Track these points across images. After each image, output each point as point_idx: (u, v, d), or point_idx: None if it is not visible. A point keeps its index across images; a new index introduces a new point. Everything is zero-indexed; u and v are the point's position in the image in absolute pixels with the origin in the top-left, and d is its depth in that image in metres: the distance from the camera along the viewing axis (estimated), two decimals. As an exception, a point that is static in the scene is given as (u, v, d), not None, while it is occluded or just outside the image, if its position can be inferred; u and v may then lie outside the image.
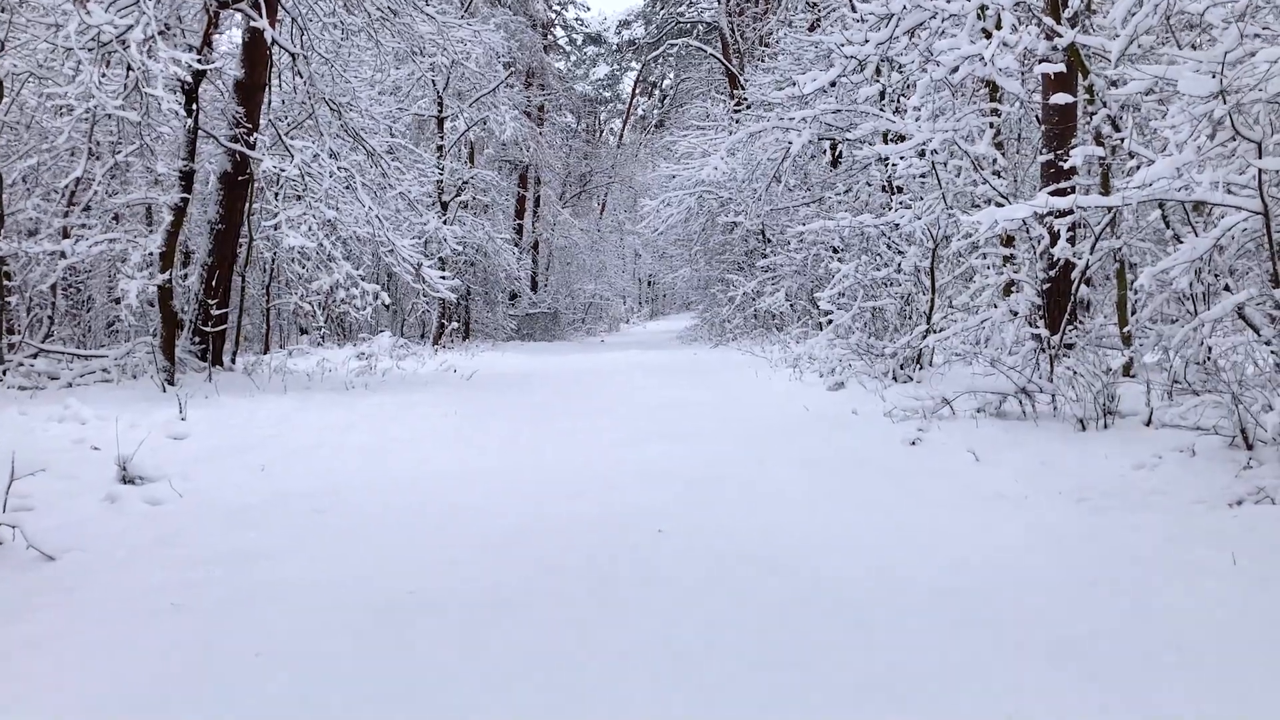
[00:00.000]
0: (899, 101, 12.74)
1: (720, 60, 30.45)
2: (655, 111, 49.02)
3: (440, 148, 23.48)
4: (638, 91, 49.00)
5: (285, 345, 21.51)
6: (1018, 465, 6.38)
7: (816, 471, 6.50)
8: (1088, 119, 8.56)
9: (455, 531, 5.25)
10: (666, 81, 47.79)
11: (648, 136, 47.38)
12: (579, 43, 45.36)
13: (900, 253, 10.97)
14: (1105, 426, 7.12)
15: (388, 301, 12.13)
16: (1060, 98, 6.89)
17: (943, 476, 6.25)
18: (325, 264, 12.02)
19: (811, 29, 21.30)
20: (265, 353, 19.87)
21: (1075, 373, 7.07)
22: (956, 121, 7.72)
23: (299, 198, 13.92)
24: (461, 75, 24.37)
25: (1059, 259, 7.98)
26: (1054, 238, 8.04)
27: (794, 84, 8.74)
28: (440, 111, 23.60)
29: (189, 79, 12.34)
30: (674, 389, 11.95)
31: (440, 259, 23.08)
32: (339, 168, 12.27)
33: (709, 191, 22.71)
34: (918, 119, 9.29)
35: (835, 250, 18.49)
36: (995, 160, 7.67)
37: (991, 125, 7.97)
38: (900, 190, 16.51)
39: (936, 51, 7.06)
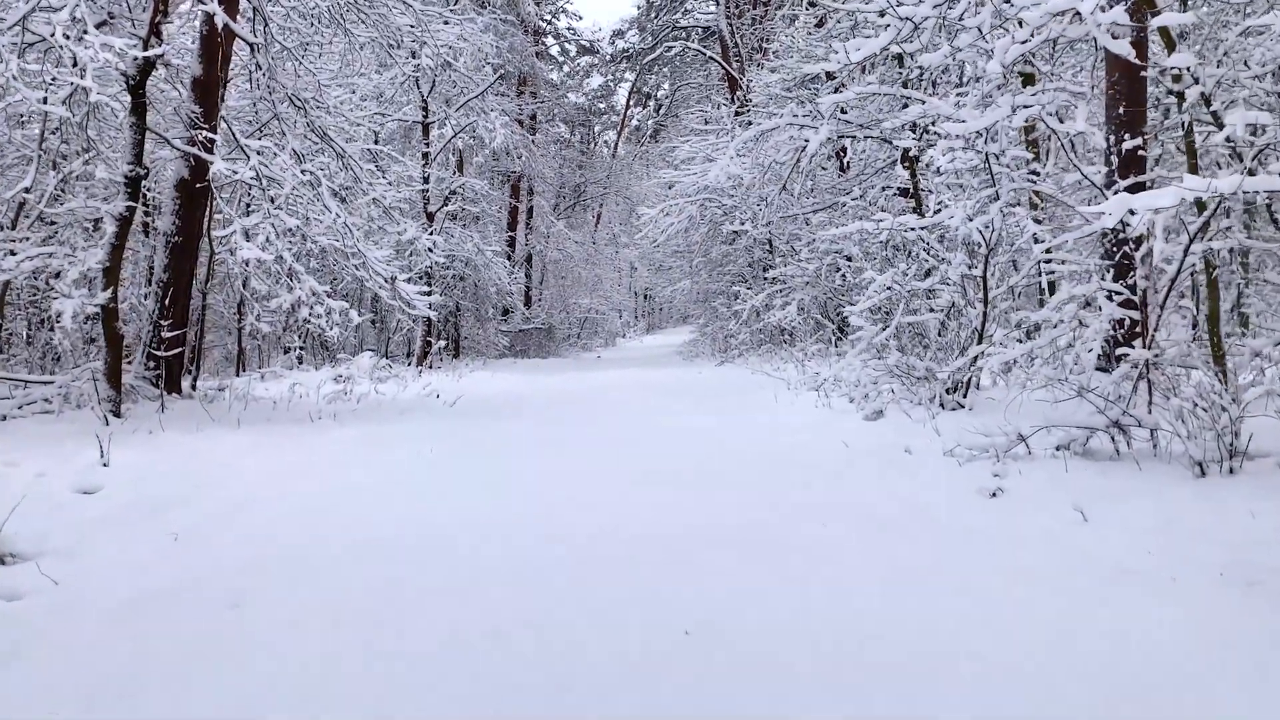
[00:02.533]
0: (931, 88, 11.41)
1: (720, 64, 29.18)
2: (650, 122, 47.82)
3: (426, 155, 22.09)
4: (632, 103, 47.82)
5: (265, 367, 20.13)
6: (1139, 526, 4.98)
7: (882, 535, 5.09)
8: (1177, 98, 7.23)
9: (402, 636, 3.84)
10: (662, 91, 46.61)
11: (643, 149, 46.15)
12: (572, 54, 44.07)
13: (939, 259, 9.60)
14: (1231, 471, 5.73)
15: (356, 320, 10.73)
16: (1179, 58, 5.52)
17: (1046, 544, 4.84)
18: (286, 279, 10.60)
19: (819, 25, 20.01)
20: (238, 376, 18.51)
21: (1196, 404, 5.68)
22: (1035, 95, 6.33)
23: (273, 204, 12.52)
24: (451, 80, 23.06)
25: (1156, 265, 6.61)
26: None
27: (836, 52, 7.37)
28: (425, 117, 22.22)
29: (133, 72, 10.98)
30: (683, 416, 10.53)
31: (426, 273, 21.71)
32: (303, 170, 10.87)
33: (711, 199, 21.36)
34: (967, 98, 7.93)
35: (849, 259, 17.16)
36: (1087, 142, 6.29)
37: (1086, 99, 6.62)
38: (917, 194, 15.16)
39: (1016, 9, 5.71)
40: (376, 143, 23.42)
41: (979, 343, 8.78)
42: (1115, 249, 7.82)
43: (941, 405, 8.81)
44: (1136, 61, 6.11)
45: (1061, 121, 6.64)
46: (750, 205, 20.17)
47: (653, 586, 4.39)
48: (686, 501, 5.98)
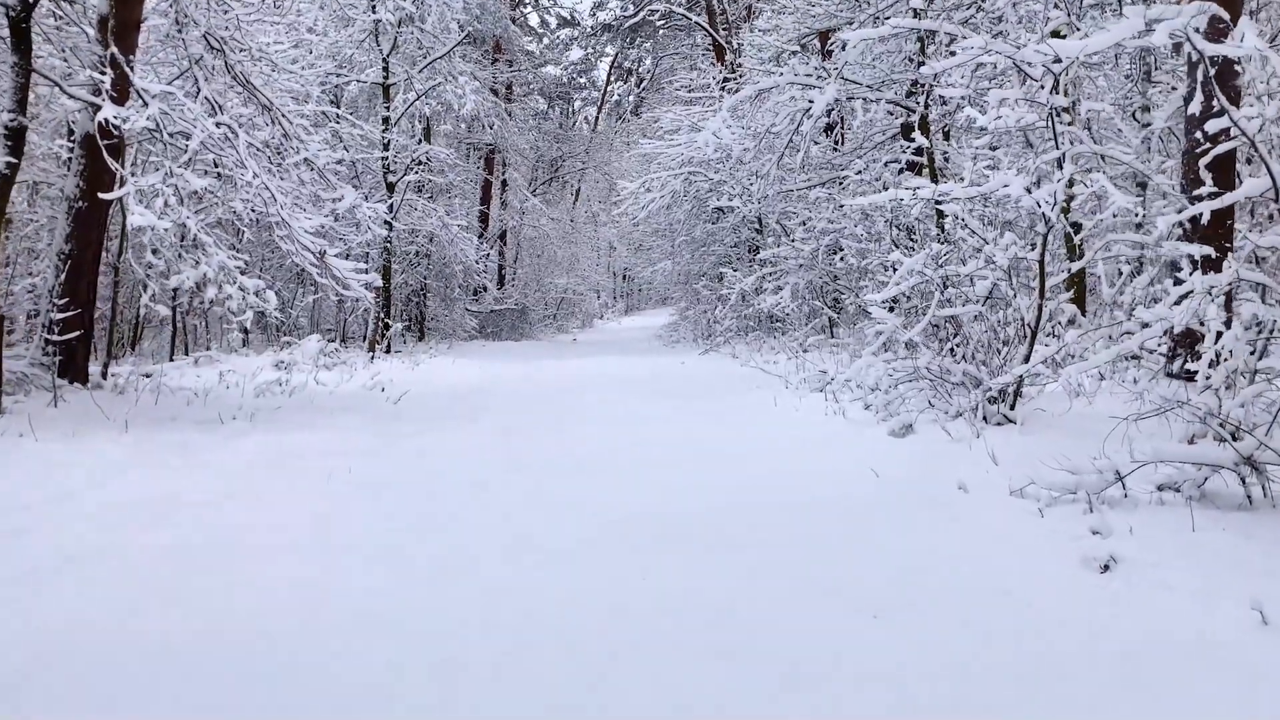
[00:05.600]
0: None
1: (707, 30, 27.36)
2: (631, 97, 45.99)
3: (386, 120, 20.20)
4: (613, 78, 46.00)
5: (208, 348, 18.28)
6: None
7: (966, 641, 3.43)
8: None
9: None
10: (643, 67, 44.78)
11: (624, 124, 44.36)
12: (552, 26, 42.11)
13: (979, 238, 7.94)
14: None
15: (274, 302, 8.95)
16: None
17: (1229, 675, 3.18)
18: (192, 251, 8.82)
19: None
20: (171, 360, 16.68)
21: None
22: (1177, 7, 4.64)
23: (175, 161, 10.71)
24: (416, 40, 21.18)
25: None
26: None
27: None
28: (386, 78, 20.32)
29: (12, 0, 9.15)
30: (668, 424, 8.81)
31: (385, 248, 19.86)
32: (216, 123, 9.07)
33: (697, 172, 19.61)
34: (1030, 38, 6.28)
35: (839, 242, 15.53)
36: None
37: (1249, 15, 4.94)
38: (933, 166, 13.53)
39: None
40: (337, 106, 21.55)
41: (1030, 342, 7.14)
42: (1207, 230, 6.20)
43: (984, 418, 7.17)
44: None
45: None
46: (740, 180, 18.44)
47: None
48: (672, 577, 4.28)
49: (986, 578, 4.09)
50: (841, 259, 14.21)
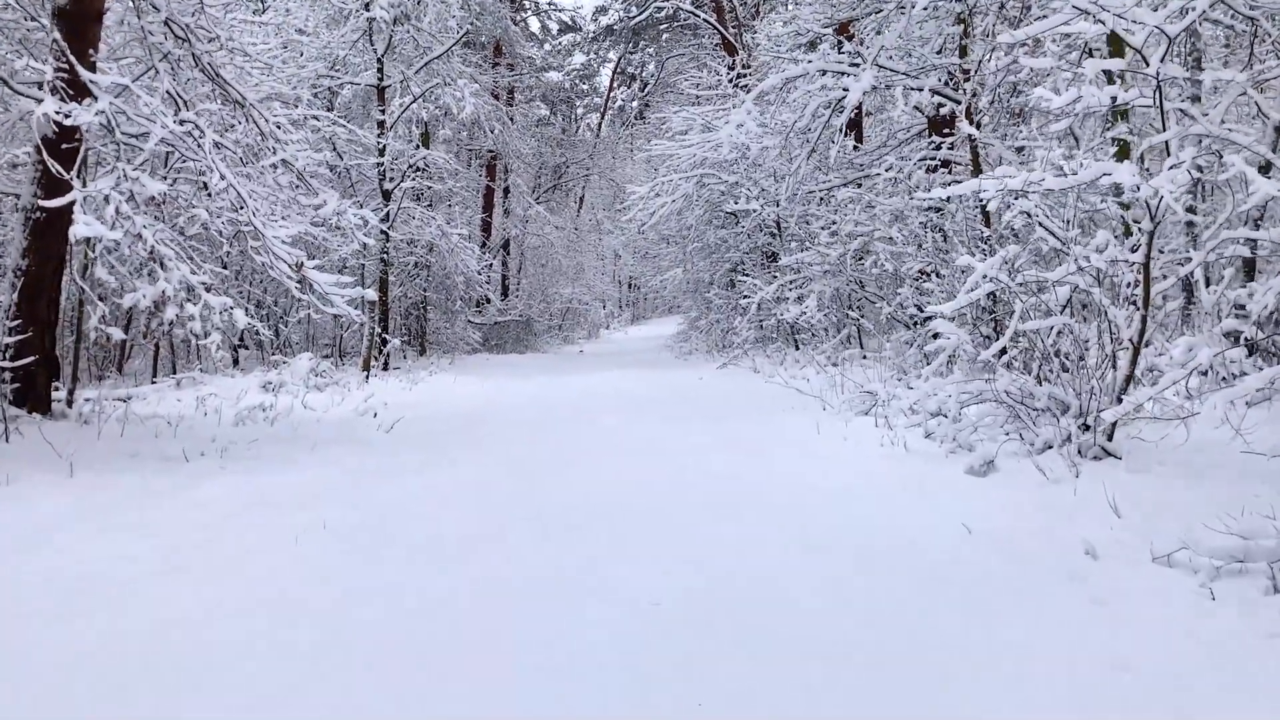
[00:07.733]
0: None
1: (715, 27, 26.27)
2: (635, 102, 45.02)
3: (382, 124, 19.11)
4: (616, 83, 45.03)
5: (200, 368, 17.17)
6: None
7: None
8: None
9: None
10: (647, 71, 43.81)
11: (628, 131, 43.34)
12: (553, 31, 41.17)
13: (1060, 239, 6.80)
14: None
15: (243, 323, 7.84)
16: None
17: None
18: (149, 266, 7.71)
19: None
20: (154, 382, 15.58)
21: None
22: None
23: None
24: (413, 40, 20.12)
25: None
26: None
27: None
28: (381, 80, 19.23)
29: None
30: (697, 456, 7.58)
31: (381, 259, 18.76)
32: (179, 120, 7.97)
33: (710, 174, 18.48)
34: None
35: (857, 241, 14.39)
36: None
37: None
38: (976, 160, 12.41)
39: None
40: (329, 110, 20.49)
41: (1132, 359, 6.00)
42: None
43: (1080, 451, 6.02)
44: None
45: None
46: (757, 181, 17.31)
47: None
48: (744, 711, 3.14)
49: (1173, 704, 2.94)
50: (876, 264, 13.08)
